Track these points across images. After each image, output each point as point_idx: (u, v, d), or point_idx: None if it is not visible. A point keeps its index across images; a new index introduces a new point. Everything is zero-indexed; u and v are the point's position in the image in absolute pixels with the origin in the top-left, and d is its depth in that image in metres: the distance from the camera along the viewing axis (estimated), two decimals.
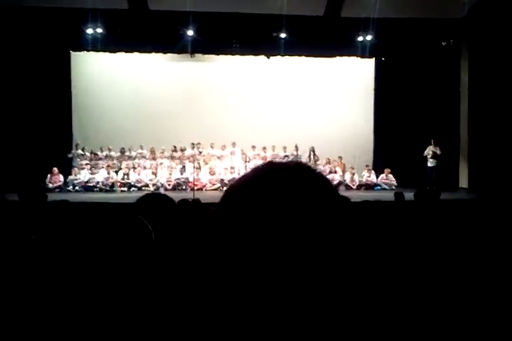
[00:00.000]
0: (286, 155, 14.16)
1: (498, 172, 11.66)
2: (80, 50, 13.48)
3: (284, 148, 14.14)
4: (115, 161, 13.76)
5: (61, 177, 12.80)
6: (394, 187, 13.26)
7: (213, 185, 13.26)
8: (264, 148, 14.17)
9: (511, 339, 1.48)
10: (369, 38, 13.00)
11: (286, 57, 13.85)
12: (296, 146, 13.70)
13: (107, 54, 13.64)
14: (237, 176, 13.26)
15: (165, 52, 13.83)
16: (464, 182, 13.60)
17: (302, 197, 0.69)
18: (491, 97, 12.30)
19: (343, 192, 12.68)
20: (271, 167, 0.75)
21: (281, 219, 0.68)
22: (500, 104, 11.99)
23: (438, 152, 13.16)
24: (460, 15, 12.45)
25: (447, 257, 2.51)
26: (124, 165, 13.54)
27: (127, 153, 13.90)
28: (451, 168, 13.52)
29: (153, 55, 13.84)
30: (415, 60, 13.59)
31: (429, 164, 13.22)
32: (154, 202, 2.47)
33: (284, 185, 0.70)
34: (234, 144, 14.06)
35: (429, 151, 13.24)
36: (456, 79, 13.73)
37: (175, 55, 14.05)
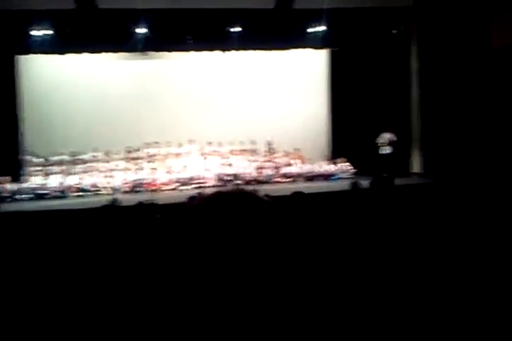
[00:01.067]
0: (243, 150, 14.17)
1: (451, 156, 12.05)
2: (26, 54, 12.98)
3: (241, 142, 14.15)
4: (67, 166, 13.37)
5: (11, 186, 12.33)
6: (351, 176, 13.50)
7: (171, 184, 13.11)
8: (221, 144, 14.12)
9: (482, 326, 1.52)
10: (321, 28, 13.11)
11: (241, 52, 13.80)
12: (253, 140, 13.73)
13: (56, 56, 13.21)
14: (195, 174, 13.18)
15: (116, 51, 13.51)
16: (416, 167, 13.98)
17: (242, 219, 0.81)
18: (441, 83, 12.66)
19: (301, 184, 12.82)
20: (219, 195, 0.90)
21: (225, 233, 0.79)
22: (450, 89, 12.36)
23: (394, 138, 13.44)
24: (409, 3, 12.76)
25: (405, 241, 2.55)
26: (77, 169, 13.16)
27: (79, 157, 13.52)
28: (403, 154, 13.85)
29: (104, 54, 13.48)
30: (367, 49, 13.79)
31: (383, 151, 13.50)
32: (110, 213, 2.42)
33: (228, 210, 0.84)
34: (191, 141, 13.94)
35: (383, 139, 13.50)
36: (407, 66, 14.06)
37: (127, 54, 13.75)
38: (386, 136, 13.47)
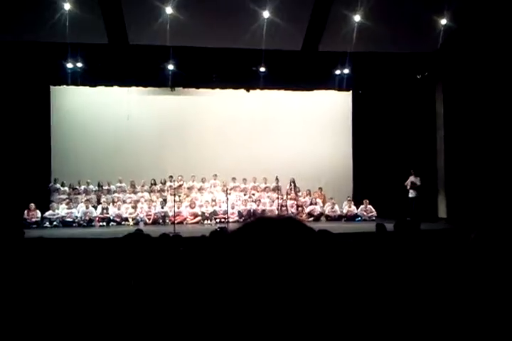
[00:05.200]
0: (266, 187, 14.20)
1: (476, 201, 11.83)
2: (59, 85, 13.50)
3: (265, 179, 14.20)
4: (93, 195, 13.59)
5: (38, 213, 12.55)
6: (374, 218, 13.35)
7: (194, 218, 13.16)
8: (245, 180, 14.20)
9: None
10: (346, 71, 13.33)
11: (266, 91, 14.08)
12: (277, 178, 13.77)
13: (87, 88, 13.68)
14: (218, 209, 13.22)
15: (145, 86, 13.94)
16: (442, 212, 13.75)
17: (286, 246, 0.77)
18: (466, 128, 12.62)
19: (324, 223, 12.70)
20: (261, 221, 0.85)
21: (266, 262, 0.75)
22: (475, 134, 12.29)
23: (418, 183, 13.32)
24: (433, 48, 12.90)
25: (430, 285, 2.51)
26: (103, 199, 13.37)
27: (106, 187, 13.75)
28: (430, 198, 13.66)
29: (134, 88, 13.93)
30: (391, 93, 13.96)
31: (410, 195, 13.36)
32: (136, 241, 2.45)
33: (271, 236, 0.79)
34: (215, 176, 14.08)
35: (409, 182, 13.40)
36: (432, 110, 14.09)
37: (155, 89, 14.16)
38: (411, 180, 13.37)
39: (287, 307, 0.73)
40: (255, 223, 0.83)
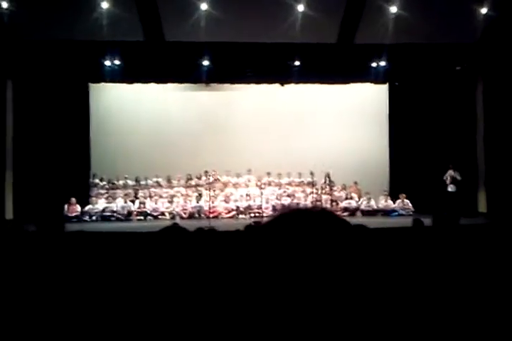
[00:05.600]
0: (301, 181, 14.14)
1: None
2: (98, 82, 13.80)
3: (299, 174, 14.14)
4: (131, 190, 13.86)
5: (78, 207, 12.90)
6: (411, 213, 13.10)
7: (229, 212, 13.24)
8: (279, 175, 14.18)
9: None
10: (382, 63, 13.09)
11: (301, 85, 13.97)
12: (312, 172, 13.68)
13: (124, 85, 13.93)
14: (252, 203, 13.25)
15: (181, 82, 14.07)
16: (482, 206, 13.38)
17: (321, 238, 0.77)
18: (507, 120, 12.21)
19: (359, 218, 12.56)
20: (296, 212, 0.84)
21: (302, 254, 0.75)
22: None
23: (458, 177, 12.98)
24: (473, 39, 12.50)
25: (469, 282, 2.45)
26: (140, 193, 13.62)
27: (143, 182, 14.01)
28: (469, 192, 13.31)
29: (169, 84, 14.09)
30: (429, 85, 13.61)
31: (449, 189, 13.03)
32: (172, 235, 2.47)
33: (306, 228, 0.78)
34: (249, 171, 14.11)
35: (448, 176, 13.08)
36: (472, 102, 13.68)
37: (191, 85, 14.28)
38: (450, 174, 13.05)
39: (320, 300, 0.72)
40: (290, 214, 0.82)
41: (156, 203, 13.36)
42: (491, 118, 12.98)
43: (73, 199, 12.84)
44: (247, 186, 13.97)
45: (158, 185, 14.02)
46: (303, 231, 0.77)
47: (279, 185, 14.15)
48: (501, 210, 11.78)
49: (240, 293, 0.78)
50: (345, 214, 13.26)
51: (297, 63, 12.83)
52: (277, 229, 0.80)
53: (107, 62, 12.63)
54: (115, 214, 13.01)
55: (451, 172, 13.04)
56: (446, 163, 13.10)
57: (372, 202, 13.63)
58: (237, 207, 13.27)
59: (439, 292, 2.29)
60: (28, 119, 12.95)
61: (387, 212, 13.39)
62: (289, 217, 0.82)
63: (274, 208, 13.19)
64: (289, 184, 14.21)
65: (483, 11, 11.52)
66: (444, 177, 13.10)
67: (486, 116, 13.26)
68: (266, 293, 0.74)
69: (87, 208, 13.03)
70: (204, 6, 11.37)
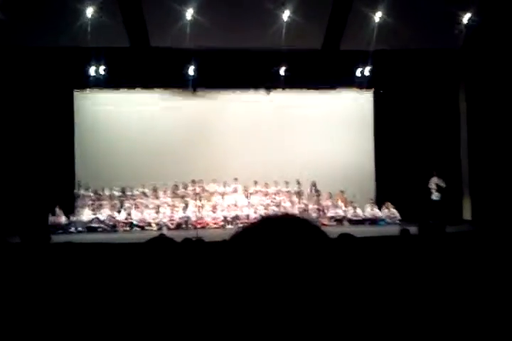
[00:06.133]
0: (288, 191, 14.15)
1: (502, 203, 11.59)
2: (82, 89, 13.66)
3: (286, 183, 14.15)
4: (117, 201, 13.73)
5: (63, 218, 12.75)
6: (397, 222, 13.17)
7: (216, 222, 13.19)
8: (266, 184, 14.18)
9: None
10: (367, 69, 13.18)
11: (287, 91, 14.02)
12: (298, 181, 13.71)
13: (109, 91, 13.82)
14: (240, 213, 13.22)
15: (166, 88, 14.02)
16: (467, 214, 13.50)
17: (293, 244, 0.76)
18: (490, 127, 12.37)
19: (347, 227, 12.59)
20: (268, 220, 0.83)
21: (275, 262, 0.74)
22: (499, 134, 12.05)
23: (442, 184, 13.09)
24: (456, 45, 12.65)
25: (456, 289, 2.48)
26: (126, 204, 13.50)
27: (129, 193, 13.88)
28: (454, 200, 13.42)
29: (156, 90, 14.00)
30: (413, 91, 13.74)
31: (434, 197, 13.13)
32: (159, 246, 2.47)
33: (278, 235, 0.78)
34: (236, 180, 14.08)
35: (432, 184, 13.17)
36: (455, 109, 13.84)
37: (177, 92, 14.22)
38: (434, 181, 13.15)
39: (289, 308, 0.72)
40: (260, 223, 0.82)
41: (142, 214, 13.25)
42: (474, 124, 13.14)
43: (58, 210, 12.68)
44: (234, 195, 13.93)
45: (145, 195, 13.90)
46: (271, 238, 0.77)
47: (266, 194, 14.14)
48: (486, 217, 11.90)
49: (223, 302, 0.77)
50: (332, 223, 13.31)
51: (283, 69, 12.88)
52: (246, 237, 0.79)
53: (92, 69, 12.54)
54: (102, 225, 12.88)
55: (435, 179, 13.15)
56: (431, 170, 13.20)
57: (359, 211, 13.69)
58: (225, 217, 13.22)
59: (426, 299, 2.31)
60: (10, 127, 12.75)
61: (374, 221, 13.45)
62: (259, 224, 0.82)
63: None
64: (276, 193, 14.21)
65: (467, 17, 11.67)
66: (429, 185, 13.20)
67: (469, 123, 13.42)
68: (230, 300, 0.75)
69: (72, 219, 12.88)
70: (190, 12, 11.40)
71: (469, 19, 11.66)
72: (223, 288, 0.77)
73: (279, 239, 0.77)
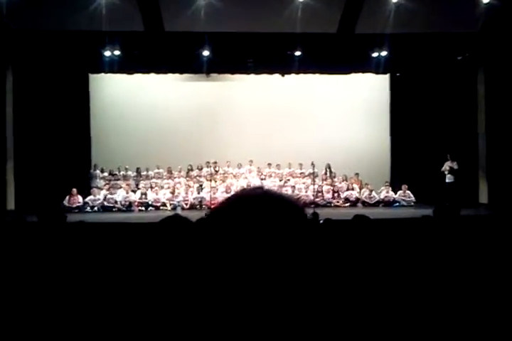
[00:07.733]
0: (302, 173, 14.13)
1: None
2: (97, 72, 13.73)
3: (300, 165, 14.13)
4: (132, 181, 13.88)
5: (80, 198, 12.91)
6: (412, 204, 13.12)
7: None
8: (278, 165, 14.17)
9: None
10: (383, 53, 12.99)
11: (301, 75, 13.90)
12: (313, 163, 13.68)
13: (124, 75, 13.86)
14: None
15: (181, 73, 14.00)
16: (484, 197, 13.37)
17: (266, 220, 0.76)
18: (508, 110, 12.16)
19: (361, 209, 12.57)
20: (241, 195, 0.84)
21: (249, 238, 0.74)
22: None
23: (455, 167, 12.97)
24: (475, 29, 12.38)
25: (470, 274, 2.45)
26: (141, 184, 13.63)
27: (144, 173, 14.01)
28: (470, 183, 13.29)
29: (170, 75, 14.00)
30: (430, 75, 13.52)
31: (447, 180, 13.04)
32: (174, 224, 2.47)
33: (249, 210, 0.78)
34: (250, 162, 14.10)
35: (446, 167, 13.07)
36: (473, 93, 13.61)
37: (191, 75, 14.21)
38: (448, 164, 13.03)
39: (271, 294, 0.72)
40: (231, 201, 0.81)
41: (157, 194, 13.36)
42: (493, 108, 12.93)
43: (74, 190, 12.84)
44: (247, 177, 13.96)
45: (159, 176, 14.02)
46: (241, 216, 0.77)
47: (280, 176, 14.14)
48: (502, 201, 11.78)
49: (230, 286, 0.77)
50: (346, 204, 13.29)
51: (298, 53, 12.75)
52: (214, 219, 0.80)
53: (107, 53, 12.57)
54: (116, 205, 13.03)
55: (448, 162, 13.04)
56: (447, 153, 13.07)
57: (374, 193, 13.63)
58: None
59: (440, 282, 2.29)
60: (28, 110, 12.93)
61: (388, 203, 13.40)
62: (230, 202, 0.81)
63: None
64: (290, 175, 14.20)
65: (486, 0, 11.41)
66: (443, 169, 13.09)
67: (487, 106, 13.20)
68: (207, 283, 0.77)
69: (88, 199, 13.04)
70: None
71: (488, 2, 11.37)
72: (200, 268, 0.79)
73: (247, 220, 0.76)
